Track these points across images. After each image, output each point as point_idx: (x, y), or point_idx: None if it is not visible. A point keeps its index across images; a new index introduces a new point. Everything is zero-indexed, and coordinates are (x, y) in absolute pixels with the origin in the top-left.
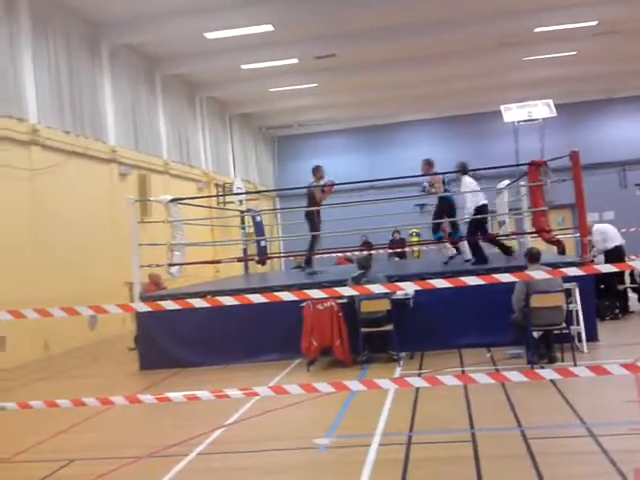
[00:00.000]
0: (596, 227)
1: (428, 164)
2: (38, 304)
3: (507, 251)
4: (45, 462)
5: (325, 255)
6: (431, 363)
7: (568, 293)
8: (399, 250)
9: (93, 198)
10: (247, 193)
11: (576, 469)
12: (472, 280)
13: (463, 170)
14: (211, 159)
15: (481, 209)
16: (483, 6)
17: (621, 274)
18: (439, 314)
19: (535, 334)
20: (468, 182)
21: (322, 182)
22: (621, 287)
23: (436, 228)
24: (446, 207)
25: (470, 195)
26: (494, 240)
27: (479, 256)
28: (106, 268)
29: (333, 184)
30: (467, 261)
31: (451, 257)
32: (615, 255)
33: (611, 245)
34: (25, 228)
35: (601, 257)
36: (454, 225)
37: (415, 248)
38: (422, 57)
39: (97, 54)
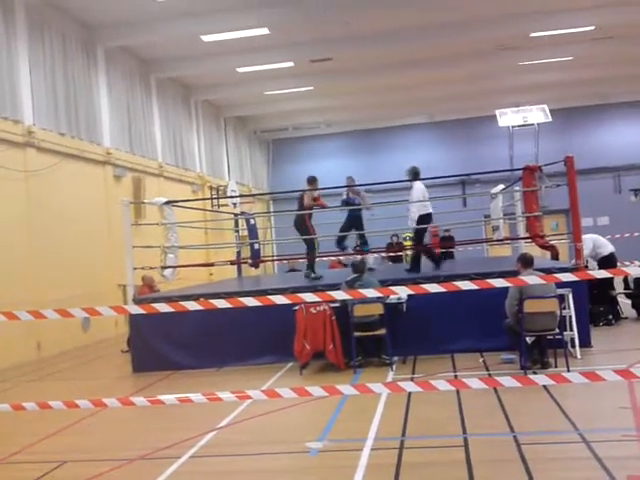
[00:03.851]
0: (585, 237)
1: (352, 180)
2: (31, 305)
3: (437, 263)
4: (38, 463)
5: (317, 259)
6: (424, 368)
7: (562, 299)
8: (398, 254)
9: (87, 200)
10: (241, 196)
11: (568, 475)
12: (465, 285)
13: (414, 176)
14: (205, 162)
15: (424, 218)
16: (479, 10)
17: (612, 280)
18: (432, 319)
19: (528, 339)
20: (419, 188)
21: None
22: (613, 293)
23: (342, 240)
24: (357, 220)
25: (416, 203)
26: (428, 251)
27: (415, 265)
28: (100, 270)
29: (324, 205)
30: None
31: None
32: (609, 261)
33: (605, 252)
34: (19, 230)
35: (594, 264)
36: (363, 237)
37: (408, 252)
38: (418, 61)
39: (92, 56)
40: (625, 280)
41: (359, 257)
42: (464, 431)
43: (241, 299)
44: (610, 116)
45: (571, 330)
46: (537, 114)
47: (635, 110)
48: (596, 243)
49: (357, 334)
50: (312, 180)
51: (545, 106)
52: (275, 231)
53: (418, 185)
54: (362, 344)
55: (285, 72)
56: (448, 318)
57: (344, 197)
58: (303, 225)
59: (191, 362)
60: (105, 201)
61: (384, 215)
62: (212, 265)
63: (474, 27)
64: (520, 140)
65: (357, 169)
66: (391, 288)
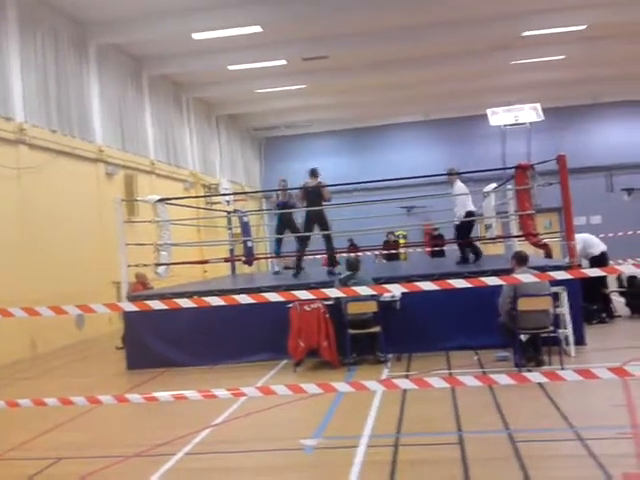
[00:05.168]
0: (576, 236)
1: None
2: (25, 303)
3: (477, 257)
4: (33, 460)
5: (310, 257)
6: (418, 365)
7: (555, 297)
8: (393, 252)
9: (80, 197)
10: (234, 194)
11: (564, 473)
12: (459, 283)
13: (456, 174)
14: (198, 159)
15: (470, 214)
16: (472, 10)
17: (604, 279)
18: (426, 316)
19: (523, 337)
20: (460, 186)
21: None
22: (606, 291)
23: (279, 244)
24: (291, 223)
25: (460, 199)
26: (471, 245)
27: (477, 253)
28: (93, 267)
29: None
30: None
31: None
32: (601, 261)
33: (597, 251)
34: (12, 227)
35: (586, 263)
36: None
37: (402, 250)
38: (410, 60)
39: (84, 53)
40: (619, 278)
41: (353, 255)
42: (459, 428)
43: (235, 296)
44: (602, 115)
45: (565, 328)
46: (529, 113)
47: (627, 109)
48: (587, 243)
49: (351, 332)
50: (317, 172)
51: (537, 105)
52: (268, 229)
53: (460, 184)
54: (356, 341)
55: (277, 70)
56: (442, 316)
57: (280, 200)
58: (325, 218)
59: (185, 359)
60: (97, 198)
61: (379, 213)
62: (206, 262)
63: (467, 26)
64: (512, 139)
65: (350, 167)
66: (385, 286)
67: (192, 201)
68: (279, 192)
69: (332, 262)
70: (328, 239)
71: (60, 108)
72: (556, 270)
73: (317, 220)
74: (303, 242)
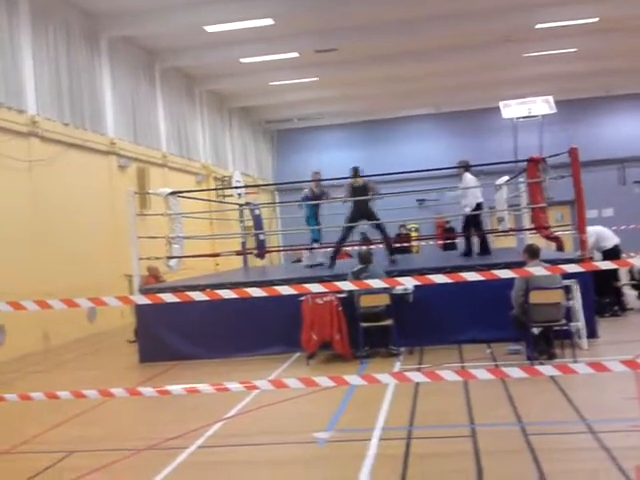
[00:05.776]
0: (589, 229)
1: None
2: (37, 296)
3: (485, 251)
4: (46, 453)
5: (323, 250)
6: (431, 358)
7: (567, 290)
8: (405, 245)
9: (92, 190)
10: (246, 187)
11: (576, 465)
12: (472, 276)
13: (465, 167)
14: (210, 152)
15: (479, 206)
16: (484, 2)
17: (616, 272)
18: (439, 309)
19: (535, 330)
20: (469, 179)
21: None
22: (618, 284)
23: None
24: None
25: (471, 191)
26: (482, 239)
27: (484, 248)
28: (105, 260)
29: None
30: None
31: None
32: (614, 254)
33: (610, 244)
34: (24, 220)
35: (599, 256)
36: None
37: (414, 243)
38: (422, 52)
39: (96, 46)
40: (631, 271)
41: (365, 248)
42: (471, 421)
43: (247, 289)
44: (615, 108)
45: (577, 321)
46: (541, 106)
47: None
48: (600, 236)
49: (364, 325)
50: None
51: (550, 97)
52: (280, 222)
53: (470, 176)
54: (369, 334)
55: (289, 63)
56: (455, 309)
57: (316, 191)
58: (373, 211)
59: (198, 352)
60: (109, 191)
61: (390, 206)
62: (218, 255)
63: (479, 19)
64: (525, 131)
65: (362, 160)
66: (397, 279)
67: (204, 194)
68: (312, 184)
69: (391, 250)
70: (382, 229)
71: (72, 101)
72: (568, 263)
73: (365, 215)
74: (344, 236)
